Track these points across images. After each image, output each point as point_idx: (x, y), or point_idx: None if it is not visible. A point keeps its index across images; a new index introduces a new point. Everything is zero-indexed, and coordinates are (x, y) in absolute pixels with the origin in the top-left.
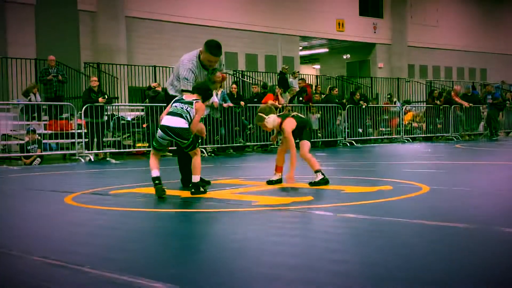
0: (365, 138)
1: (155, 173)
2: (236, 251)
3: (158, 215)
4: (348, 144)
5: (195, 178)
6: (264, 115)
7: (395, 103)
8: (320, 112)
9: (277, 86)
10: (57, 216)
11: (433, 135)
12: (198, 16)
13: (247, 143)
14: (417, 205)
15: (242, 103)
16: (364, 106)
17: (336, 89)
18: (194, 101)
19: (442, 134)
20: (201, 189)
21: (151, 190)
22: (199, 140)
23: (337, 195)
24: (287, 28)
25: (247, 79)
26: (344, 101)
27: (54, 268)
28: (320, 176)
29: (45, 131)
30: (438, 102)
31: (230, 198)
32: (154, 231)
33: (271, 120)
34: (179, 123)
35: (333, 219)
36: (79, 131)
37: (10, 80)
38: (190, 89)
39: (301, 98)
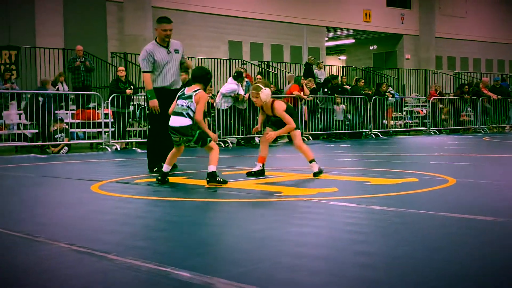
0: (391, 130)
1: (165, 168)
2: (259, 241)
3: (182, 204)
4: (373, 136)
5: (211, 168)
6: (261, 86)
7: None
8: (345, 103)
9: (302, 77)
10: (84, 204)
11: (461, 127)
12: (223, 7)
13: None
14: (443, 197)
15: None
16: (390, 98)
17: (363, 81)
18: (194, 94)
19: (469, 127)
20: (218, 179)
21: (176, 180)
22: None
23: (362, 187)
24: (313, 19)
25: (272, 70)
26: (370, 92)
27: (80, 255)
28: (316, 166)
29: (73, 120)
30: (466, 96)
31: (254, 188)
32: (178, 220)
33: (266, 93)
34: (181, 121)
35: (358, 210)
36: (106, 120)
37: (39, 70)
38: (147, 69)
39: (326, 89)
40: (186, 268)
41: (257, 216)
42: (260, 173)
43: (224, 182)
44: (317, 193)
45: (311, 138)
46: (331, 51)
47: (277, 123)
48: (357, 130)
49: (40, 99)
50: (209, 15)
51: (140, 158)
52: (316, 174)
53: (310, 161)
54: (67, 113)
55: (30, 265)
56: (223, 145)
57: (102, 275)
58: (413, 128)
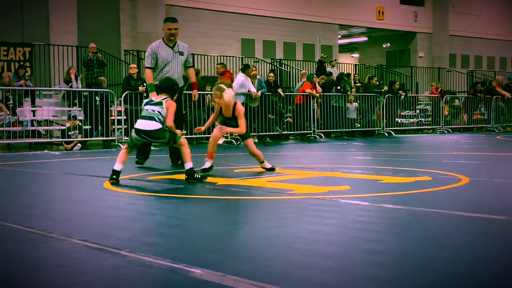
0: (404, 128)
1: (117, 166)
2: (272, 238)
3: (194, 201)
4: (386, 134)
5: (188, 165)
6: (224, 87)
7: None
8: (358, 101)
9: (315, 75)
10: (96, 200)
11: (474, 126)
12: (236, 4)
13: (284, 132)
14: (456, 196)
15: (280, 91)
16: (402, 96)
17: (375, 78)
18: (163, 101)
19: (483, 125)
20: (196, 175)
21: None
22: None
23: (375, 185)
24: (326, 17)
25: (285, 68)
26: (383, 90)
27: (93, 251)
28: (268, 164)
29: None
30: (480, 94)
31: (266, 186)
32: (190, 217)
33: (229, 93)
34: (152, 125)
35: (370, 209)
36: (118, 117)
37: (52, 67)
38: (149, 66)
39: (339, 87)
40: (198, 264)
41: (269, 214)
42: (211, 169)
43: (204, 177)
44: (329, 191)
45: (323, 136)
46: (344, 49)
47: (231, 126)
48: (370, 128)
49: (97, 98)
50: (221, 12)
51: (153, 155)
52: (269, 170)
53: (261, 162)
54: (80, 110)
55: (43, 260)
56: (235, 143)
57: (115, 271)
58: (426, 127)
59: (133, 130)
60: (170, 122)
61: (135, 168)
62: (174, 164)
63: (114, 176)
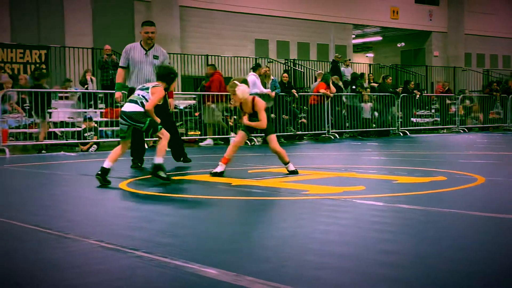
0: (419, 128)
1: (106, 164)
2: (286, 238)
3: (209, 202)
4: (401, 134)
5: (157, 160)
6: (237, 83)
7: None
8: (373, 101)
9: (335, 76)
10: (112, 201)
11: (490, 125)
12: (249, 5)
13: (298, 132)
14: (472, 196)
15: (294, 91)
16: (418, 96)
17: (390, 78)
18: (151, 87)
19: (499, 125)
20: (162, 174)
21: (203, 178)
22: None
23: (390, 185)
24: (340, 16)
25: (299, 68)
26: (398, 90)
27: (109, 251)
28: (292, 166)
29: (101, 119)
30: (495, 93)
31: (280, 186)
32: (205, 217)
33: (242, 89)
34: (134, 108)
35: (385, 209)
36: None
37: (68, 69)
38: (120, 65)
39: (354, 87)
40: (213, 265)
41: (284, 214)
42: (222, 175)
43: (167, 179)
44: (344, 192)
45: (337, 136)
46: (358, 48)
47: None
48: (385, 128)
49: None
50: (235, 13)
51: (167, 156)
52: (292, 172)
53: (285, 163)
54: (96, 112)
55: (60, 261)
56: (249, 143)
57: (131, 271)
58: (442, 126)
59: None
60: (148, 105)
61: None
62: (177, 159)
63: (99, 172)
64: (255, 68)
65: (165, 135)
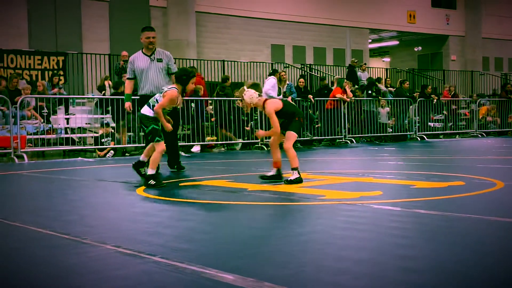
0: (436, 132)
1: (142, 157)
2: (303, 244)
3: (225, 207)
4: (419, 139)
5: (149, 171)
6: (244, 87)
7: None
8: (390, 105)
9: (345, 80)
10: (129, 206)
11: (508, 129)
12: (265, 10)
13: (314, 137)
14: (491, 201)
15: (311, 96)
16: (435, 100)
17: (407, 82)
18: (166, 90)
19: None
20: (151, 182)
21: (220, 183)
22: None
23: (407, 190)
24: (356, 21)
25: (315, 73)
26: (415, 94)
27: (126, 256)
28: (295, 175)
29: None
30: (511, 95)
31: (297, 192)
32: (222, 222)
33: (248, 94)
34: (144, 110)
35: (403, 214)
36: None
37: (85, 75)
38: (127, 76)
39: (370, 92)
40: (230, 270)
41: (301, 219)
42: (276, 177)
43: (157, 185)
44: (361, 197)
45: (354, 141)
46: (375, 53)
47: (285, 125)
48: (402, 133)
49: (192, 104)
50: (251, 19)
51: (184, 161)
52: (290, 182)
53: (293, 169)
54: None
55: (78, 266)
56: (265, 148)
57: (148, 276)
58: (459, 131)
59: None
60: (156, 107)
61: (168, 173)
62: (171, 167)
63: (134, 162)
64: (273, 73)
65: (159, 148)
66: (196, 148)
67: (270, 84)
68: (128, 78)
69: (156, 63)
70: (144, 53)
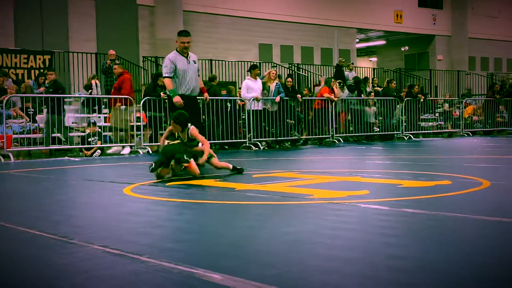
0: (423, 132)
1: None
2: (291, 243)
3: (213, 207)
4: (405, 138)
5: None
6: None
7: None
8: (376, 105)
9: (333, 79)
10: (116, 206)
11: (494, 129)
12: (253, 10)
13: (302, 137)
14: (478, 200)
15: (299, 96)
16: (422, 100)
17: (394, 82)
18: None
19: (503, 128)
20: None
21: (207, 182)
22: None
23: (394, 189)
24: (343, 21)
25: (303, 72)
26: (402, 94)
27: (113, 257)
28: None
29: (105, 124)
30: (498, 96)
31: (285, 191)
32: (210, 222)
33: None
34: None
35: (390, 213)
36: (138, 123)
37: (72, 74)
38: (168, 75)
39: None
40: (218, 270)
41: (289, 219)
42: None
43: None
44: (349, 196)
45: (341, 141)
46: (362, 52)
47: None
48: (389, 132)
49: (229, 104)
50: (239, 18)
51: None
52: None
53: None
54: (99, 117)
55: (65, 267)
56: (253, 148)
57: (135, 277)
58: (446, 130)
59: None
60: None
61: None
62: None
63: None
64: (251, 69)
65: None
66: (125, 150)
67: (244, 88)
68: (168, 77)
69: (193, 65)
70: (180, 54)
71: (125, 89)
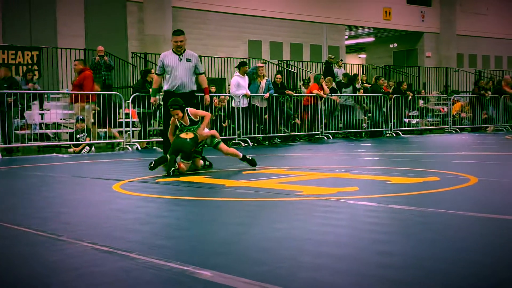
0: (411, 128)
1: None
2: (281, 240)
3: (203, 204)
4: (394, 135)
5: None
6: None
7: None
8: (365, 101)
9: (322, 76)
10: (106, 203)
11: (482, 125)
12: (242, 6)
13: (291, 133)
14: (465, 196)
15: (289, 91)
16: (410, 97)
17: (383, 79)
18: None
19: (491, 125)
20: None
21: (197, 179)
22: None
23: (383, 186)
24: (332, 17)
25: (292, 69)
26: (391, 90)
27: (103, 254)
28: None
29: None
30: (484, 92)
31: (275, 187)
32: (200, 219)
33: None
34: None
35: (379, 210)
36: (126, 120)
37: (60, 70)
38: (157, 72)
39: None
40: (208, 267)
41: (278, 215)
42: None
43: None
44: (338, 192)
45: (331, 137)
46: (351, 49)
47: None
48: (378, 129)
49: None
50: (228, 14)
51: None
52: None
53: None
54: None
55: (55, 264)
56: (242, 144)
57: (125, 274)
58: (434, 127)
59: None
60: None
61: (144, 170)
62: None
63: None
64: (239, 66)
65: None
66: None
67: (233, 85)
68: (157, 74)
69: (185, 63)
70: (174, 52)
71: (87, 86)
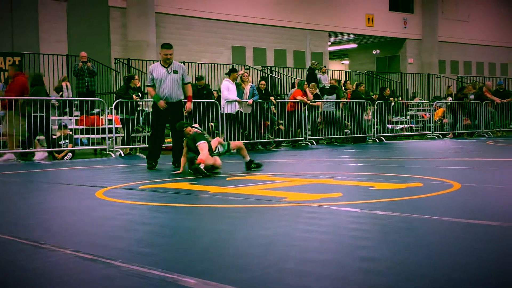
0: (394, 134)
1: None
2: (265, 246)
3: (187, 210)
4: (377, 141)
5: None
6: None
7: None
8: (346, 108)
9: (305, 82)
10: (88, 210)
11: (465, 131)
12: (226, 12)
13: (275, 139)
14: (448, 202)
15: (272, 98)
16: (393, 103)
17: (363, 85)
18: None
19: (473, 131)
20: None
21: (181, 186)
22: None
23: (367, 191)
24: (316, 24)
25: (275, 75)
26: (374, 96)
27: (86, 261)
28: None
29: (77, 126)
30: (465, 98)
31: (259, 194)
32: (183, 226)
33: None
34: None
35: (362, 215)
36: (109, 126)
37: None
38: (148, 84)
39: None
40: (192, 274)
41: (263, 222)
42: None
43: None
44: (321, 199)
45: (314, 143)
46: (334, 55)
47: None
48: (361, 135)
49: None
50: (212, 20)
51: (144, 164)
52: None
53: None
54: (71, 119)
55: (37, 272)
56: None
57: (109, 281)
58: (417, 133)
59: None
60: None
61: (127, 177)
62: (175, 165)
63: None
64: (229, 73)
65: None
66: (8, 156)
67: (224, 88)
68: (148, 86)
69: (172, 75)
70: (162, 65)
71: (16, 91)
